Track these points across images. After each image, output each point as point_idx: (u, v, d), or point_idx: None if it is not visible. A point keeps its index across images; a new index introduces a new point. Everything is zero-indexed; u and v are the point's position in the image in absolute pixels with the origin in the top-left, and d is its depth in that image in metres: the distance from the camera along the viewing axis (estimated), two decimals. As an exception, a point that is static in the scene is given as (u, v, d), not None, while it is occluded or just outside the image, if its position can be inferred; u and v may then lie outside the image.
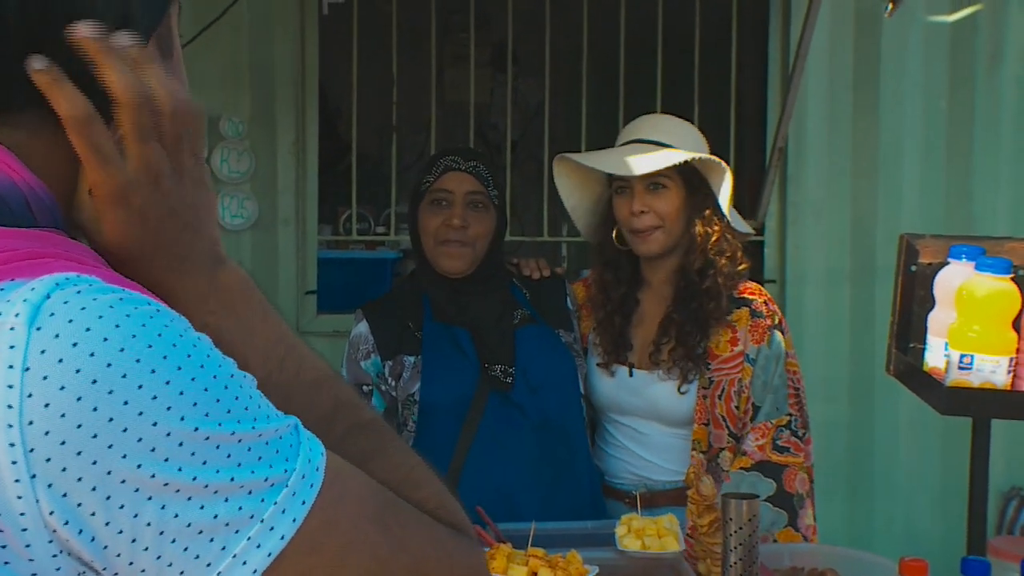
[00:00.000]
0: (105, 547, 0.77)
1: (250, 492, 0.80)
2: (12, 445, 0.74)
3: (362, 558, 0.86)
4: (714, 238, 2.48)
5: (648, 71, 4.48)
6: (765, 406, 2.42)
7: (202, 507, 0.78)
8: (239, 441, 0.80)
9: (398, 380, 2.50)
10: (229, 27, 4.03)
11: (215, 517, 0.78)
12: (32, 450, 0.74)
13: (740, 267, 2.51)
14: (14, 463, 0.74)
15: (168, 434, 0.77)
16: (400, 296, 2.64)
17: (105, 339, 0.76)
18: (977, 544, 1.97)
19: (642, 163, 2.43)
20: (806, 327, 4.24)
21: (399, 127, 4.70)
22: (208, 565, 0.79)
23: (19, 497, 0.75)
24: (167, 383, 0.77)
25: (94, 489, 0.75)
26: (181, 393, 0.78)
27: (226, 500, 0.79)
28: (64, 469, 0.75)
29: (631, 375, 2.55)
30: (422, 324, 2.53)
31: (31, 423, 0.74)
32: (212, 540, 0.79)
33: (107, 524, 0.76)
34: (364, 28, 4.48)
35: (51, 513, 0.75)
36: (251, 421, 0.82)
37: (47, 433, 0.74)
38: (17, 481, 0.74)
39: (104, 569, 0.78)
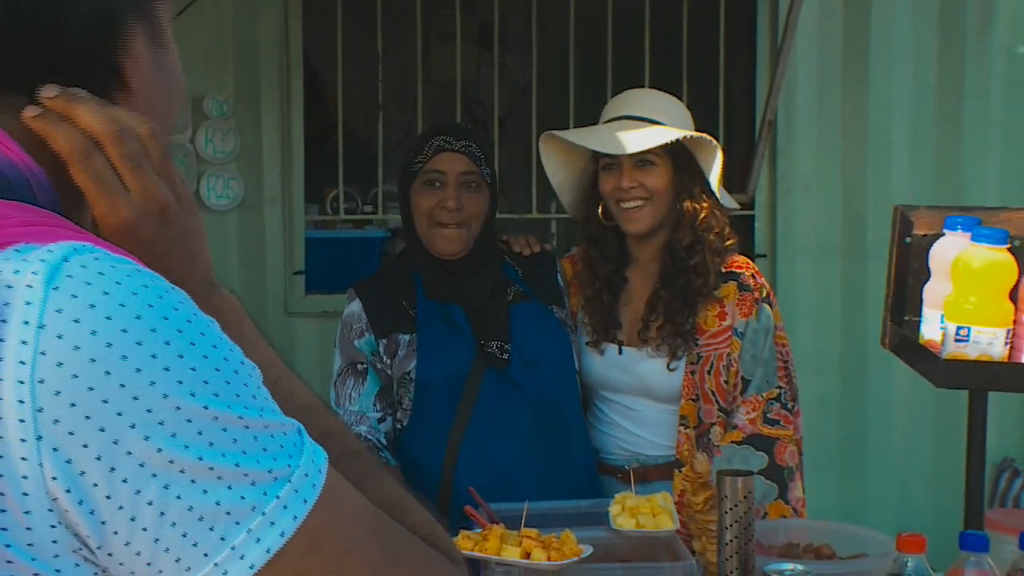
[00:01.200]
0: (103, 522, 0.75)
1: (253, 482, 0.78)
2: (21, 402, 0.73)
3: (358, 565, 0.86)
4: (702, 215, 2.45)
5: (636, 46, 4.44)
6: (755, 379, 2.41)
7: (205, 491, 0.76)
8: (246, 427, 0.79)
9: (393, 358, 2.47)
10: (213, 4, 3.98)
11: (217, 504, 0.77)
12: (41, 409, 0.73)
13: (728, 243, 2.48)
14: (22, 421, 0.73)
15: (178, 408, 0.76)
16: (391, 274, 2.61)
17: (122, 305, 0.76)
18: (975, 517, 1.94)
19: (633, 140, 2.40)
20: (797, 301, 4.22)
21: (385, 105, 4.66)
22: (205, 555, 0.77)
23: (23, 459, 0.73)
24: (180, 357, 0.77)
25: (99, 458, 0.74)
26: (193, 369, 0.77)
27: (229, 487, 0.77)
28: (71, 433, 0.73)
29: (620, 353, 2.52)
30: (415, 302, 2.50)
31: (42, 381, 0.73)
32: (212, 528, 0.77)
33: (108, 497, 0.74)
34: (349, 5, 4.43)
35: (54, 479, 0.73)
36: (258, 410, 0.81)
37: (58, 393, 0.73)
38: (23, 441, 0.73)
39: (99, 548, 0.76)
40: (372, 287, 2.58)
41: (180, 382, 0.76)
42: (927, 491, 4.29)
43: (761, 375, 2.41)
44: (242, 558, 0.78)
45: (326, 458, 0.85)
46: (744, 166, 4.23)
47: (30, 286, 0.75)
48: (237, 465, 0.78)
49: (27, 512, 0.74)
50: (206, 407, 0.77)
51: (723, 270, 2.47)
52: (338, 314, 2.60)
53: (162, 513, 0.76)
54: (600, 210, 2.54)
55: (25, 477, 0.73)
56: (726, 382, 2.41)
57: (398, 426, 2.47)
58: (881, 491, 4.33)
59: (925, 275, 1.84)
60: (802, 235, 4.31)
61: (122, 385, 0.74)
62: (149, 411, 0.75)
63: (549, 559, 1.80)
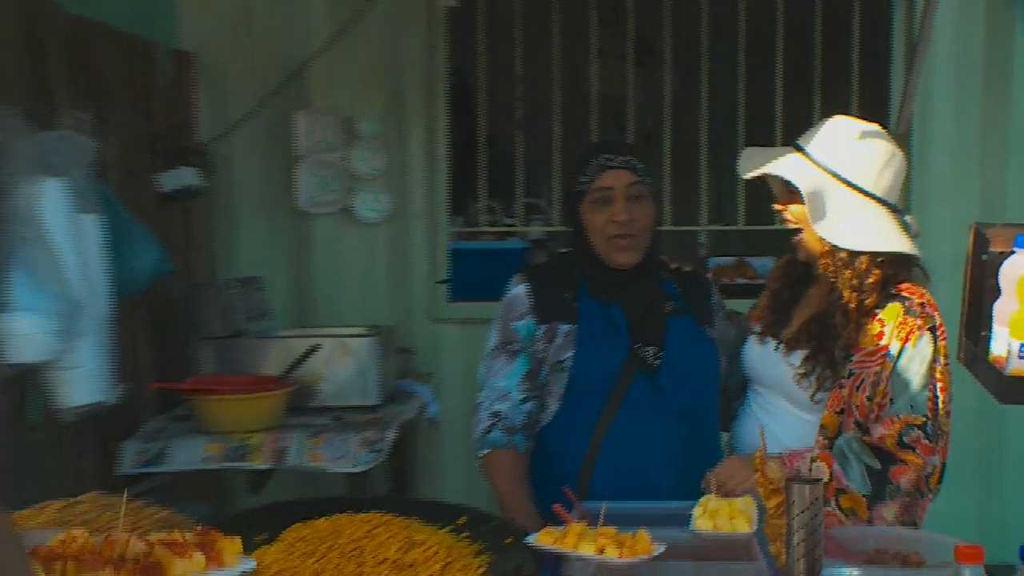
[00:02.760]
0: None
1: None
2: None
3: None
4: (834, 257, 2.43)
5: (767, 58, 4.48)
6: (899, 401, 2.34)
7: None
8: None
9: (550, 344, 2.59)
10: (364, 35, 4.23)
11: None
12: None
13: (870, 279, 2.41)
14: None
15: None
16: (559, 268, 2.72)
17: None
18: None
19: (786, 170, 2.42)
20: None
21: (525, 121, 4.82)
22: None
23: None
24: None
25: None
26: None
27: None
28: None
29: (776, 350, 2.54)
30: (577, 297, 2.62)
31: None
32: None
33: None
34: (492, 27, 4.62)
35: None
36: None
37: None
38: None
39: None
40: (540, 275, 2.70)
41: None
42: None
43: (906, 399, 2.35)
44: None
45: None
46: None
47: None
48: None
49: None
50: None
51: (893, 292, 2.40)
52: (481, 321, 2.76)
53: None
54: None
55: None
56: (869, 399, 2.35)
57: (547, 416, 2.59)
58: (1020, 502, 4.23)
59: (996, 292, 1.86)
60: (937, 246, 4.24)
61: None
62: None
63: (621, 556, 1.90)
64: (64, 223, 2.65)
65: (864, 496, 2.32)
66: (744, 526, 2.05)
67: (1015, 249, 1.87)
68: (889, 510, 2.33)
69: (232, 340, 3.59)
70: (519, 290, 2.66)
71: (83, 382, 2.70)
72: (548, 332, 2.59)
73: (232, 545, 1.27)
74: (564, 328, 2.58)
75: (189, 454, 3.14)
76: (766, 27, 4.48)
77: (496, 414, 2.59)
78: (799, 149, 2.47)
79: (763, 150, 2.60)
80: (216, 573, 1.22)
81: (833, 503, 2.35)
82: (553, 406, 2.59)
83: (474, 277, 4.53)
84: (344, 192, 4.40)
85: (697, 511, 2.12)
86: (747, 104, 4.49)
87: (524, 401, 2.59)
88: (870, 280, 2.39)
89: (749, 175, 2.49)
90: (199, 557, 1.21)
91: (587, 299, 2.61)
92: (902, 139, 4.09)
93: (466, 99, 4.81)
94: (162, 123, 3.87)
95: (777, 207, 2.50)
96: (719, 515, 2.08)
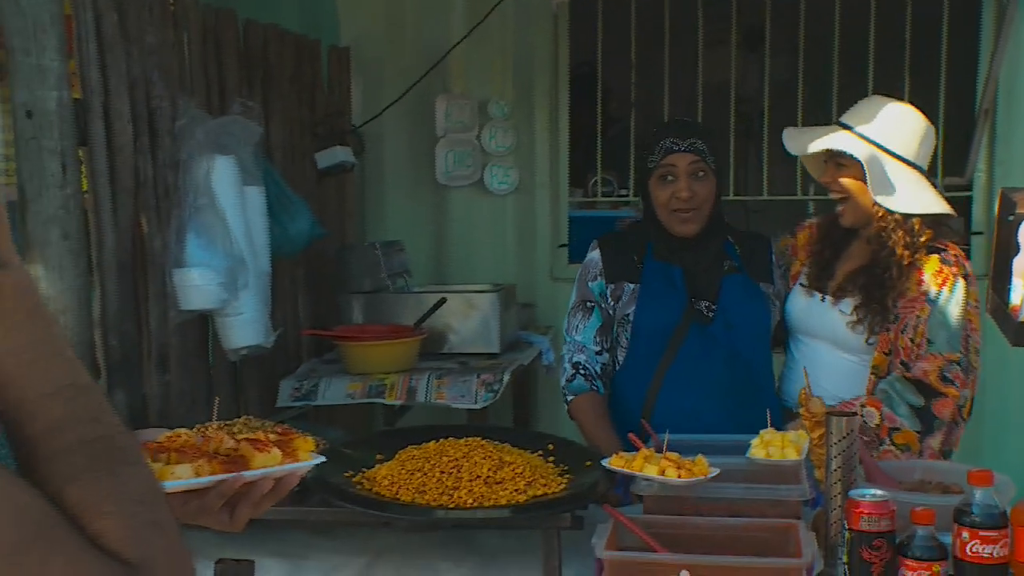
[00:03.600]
0: None
1: None
2: None
3: None
4: (889, 222, 2.47)
5: (860, 39, 4.41)
6: (938, 341, 2.42)
7: None
8: None
9: (617, 302, 2.69)
10: (498, 25, 4.35)
11: None
12: None
13: (922, 238, 2.48)
14: None
15: None
16: (630, 234, 2.80)
17: None
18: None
19: (827, 142, 2.49)
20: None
21: (637, 103, 4.87)
22: None
23: None
24: None
25: None
26: None
27: None
28: None
29: (823, 301, 2.60)
30: (644, 259, 2.70)
31: None
32: None
33: None
34: (609, 20, 4.67)
35: None
36: None
37: None
38: None
39: None
40: (612, 241, 2.80)
41: None
42: None
43: (945, 338, 2.42)
44: None
45: None
46: (963, 150, 4.12)
47: None
48: None
49: None
50: None
51: (931, 245, 2.48)
52: None
53: None
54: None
55: None
56: (912, 340, 2.45)
57: (616, 363, 2.69)
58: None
59: (1017, 249, 1.87)
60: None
61: None
62: None
63: (681, 477, 1.99)
64: (232, 193, 2.83)
65: (916, 432, 2.37)
66: (793, 454, 2.12)
67: (1036, 211, 1.88)
68: (935, 440, 2.39)
69: (375, 294, 3.74)
70: (594, 255, 2.76)
71: (245, 327, 2.87)
72: (616, 291, 2.68)
73: (306, 443, 1.37)
74: (629, 287, 2.67)
75: (336, 391, 3.27)
76: (860, 13, 4.40)
77: (576, 364, 2.70)
78: (844, 127, 2.52)
79: (805, 129, 2.65)
80: (290, 466, 1.34)
81: (888, 441, 2.40)
82: (622, 355, 2.68)
83: (590, 241, 4.60)
84: (478, 167, 4.55)
85: (754, 442, 2.19)
86: (839, 87, 4.44)
87: (600, 353, 2.69)
88: (923, 239, 2.48)
89: (811, 150, 2.54)
90: (276, 452, 1.34)
91: (652, 261, 2.68)
92: (987, 115, 4.00)
93: (586, 84, 4.88)
94: (322, 110, 4.07)
95: (825, 180, 2.54)
96: (772, 444, 2.15)
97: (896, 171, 2.46)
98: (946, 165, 4.22)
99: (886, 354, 2.47)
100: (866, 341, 2.50)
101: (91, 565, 0.77)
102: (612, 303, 2.69)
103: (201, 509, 1.26)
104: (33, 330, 0.85)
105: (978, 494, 1.74)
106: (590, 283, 2.73)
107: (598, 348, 2.70)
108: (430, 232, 4.60)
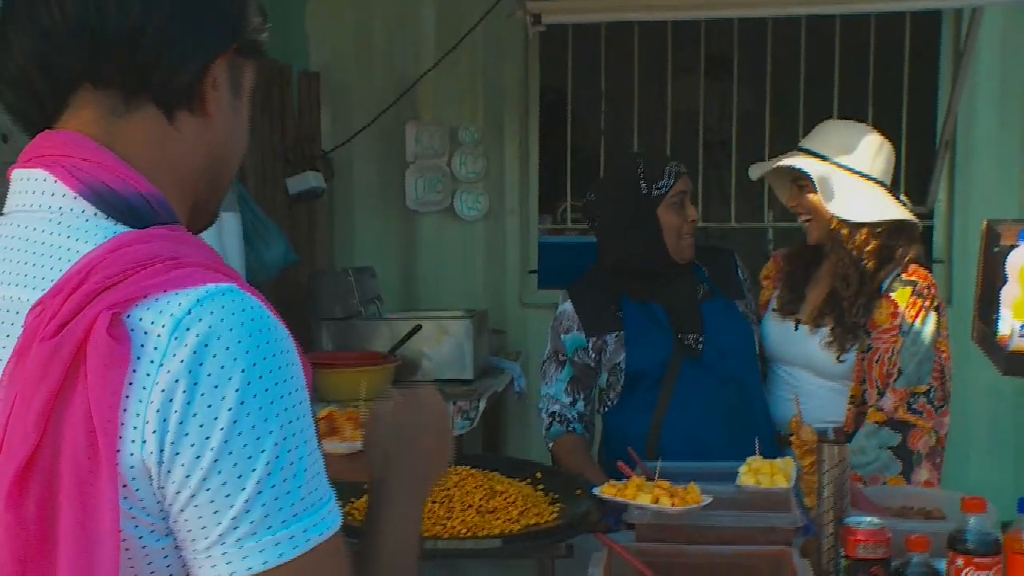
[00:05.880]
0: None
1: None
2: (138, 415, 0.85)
3: None
4: (857, 237, 2.49)
5: (826, 72, 4.47)
6: (907, 372, 2.44)
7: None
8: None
9: (600, 354, 2.63)
10: (468, 53, 4.34)
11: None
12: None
13: (868, 248, 2.48)
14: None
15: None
16: (598, 282, 2.71)
17: (229, 349, 0.87)
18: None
19: (805, 166, 2.50)
20: (970, 301, 4.12)
21: (607, 131, 4.88)
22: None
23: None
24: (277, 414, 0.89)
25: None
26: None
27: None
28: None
29: (796, 329, 2.61)
30: (621, 304, 2.64)
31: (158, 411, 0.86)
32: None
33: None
34: (579, 50, 4.69)
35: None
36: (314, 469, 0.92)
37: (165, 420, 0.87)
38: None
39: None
40: (583, 292, 2.71)
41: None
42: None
43: (914, 370, 2.43)
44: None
45: (331, 528, 0.90)
46: (925, 180, 4.18)
47: (159, 335, 0.86)
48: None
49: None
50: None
51: (904, 277, 2.49)
52: None
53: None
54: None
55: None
56: (887, 371, 2.48)
57: (608, 403, 2.65)
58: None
59: (1005, 280, 1.89)
60: (977, 244, 4.20)
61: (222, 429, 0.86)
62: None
63: (674, 505, 1.97)
64: (208, 218, 2.79)
65: (900, 475, 2.39)
66: (782, 482, 2.10)
67: (1019, 243, 1.90)
68: (922, 473, 2.40)
69: (347, 321, 3.70)
70: (566, 307, 2.69)
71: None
72: (597, 343, 2.63)
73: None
74: (612, 336, 2.61)
75: (310, 417, 3.22)
76: (824, 45, 4.47)
77: (552, 414, 2.69)
78: (801, 151, 2.57)
79: (771, 160, 2.69)
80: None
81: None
82: (615, 398, 2.64)
83: (559, 267, 4.59)
84: (448, 193, 4.53)
85: (742, 469, 2.17)
86: (806, 115, 4.50)
87: (573, 403, 2.67)
88: (868, 248, 2.49)
89: (760, 173, 2.62)
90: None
91: (629, 304, 2.63)
92: (946, 146, 4.06)
93: (556, 112, 4.89)
94: (292, 136, 4.02)
95: (791, 203, 2.58)
96: (761, 472, 2.13)
97: (851, 184, 2.50)
98: (909, 194, 4.27)
99: (861, 383, 2.50)
100: (837, 359, 2.51)
101: None
102: (594, 356, 2.64)
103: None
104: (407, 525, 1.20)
105: (972, 521, 1.74)
106: (563, 335, 2.68)
107: (570, 399, 2.68)
108: (399, 258, 4.57)
